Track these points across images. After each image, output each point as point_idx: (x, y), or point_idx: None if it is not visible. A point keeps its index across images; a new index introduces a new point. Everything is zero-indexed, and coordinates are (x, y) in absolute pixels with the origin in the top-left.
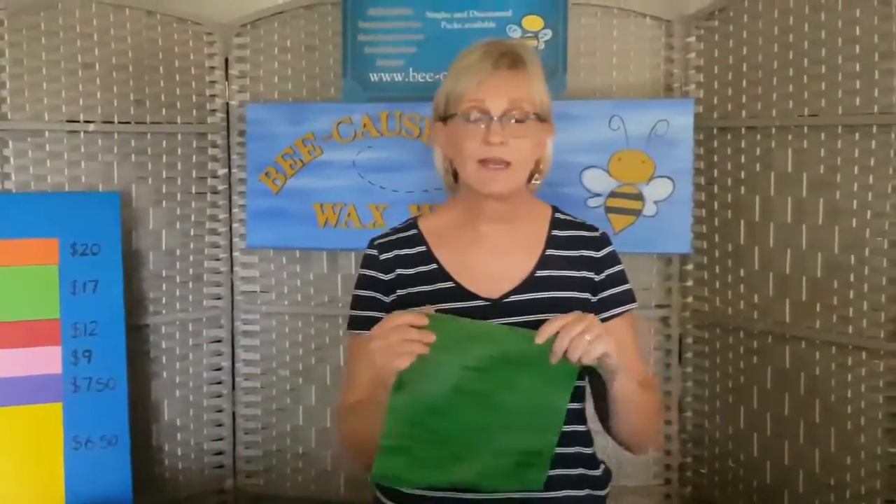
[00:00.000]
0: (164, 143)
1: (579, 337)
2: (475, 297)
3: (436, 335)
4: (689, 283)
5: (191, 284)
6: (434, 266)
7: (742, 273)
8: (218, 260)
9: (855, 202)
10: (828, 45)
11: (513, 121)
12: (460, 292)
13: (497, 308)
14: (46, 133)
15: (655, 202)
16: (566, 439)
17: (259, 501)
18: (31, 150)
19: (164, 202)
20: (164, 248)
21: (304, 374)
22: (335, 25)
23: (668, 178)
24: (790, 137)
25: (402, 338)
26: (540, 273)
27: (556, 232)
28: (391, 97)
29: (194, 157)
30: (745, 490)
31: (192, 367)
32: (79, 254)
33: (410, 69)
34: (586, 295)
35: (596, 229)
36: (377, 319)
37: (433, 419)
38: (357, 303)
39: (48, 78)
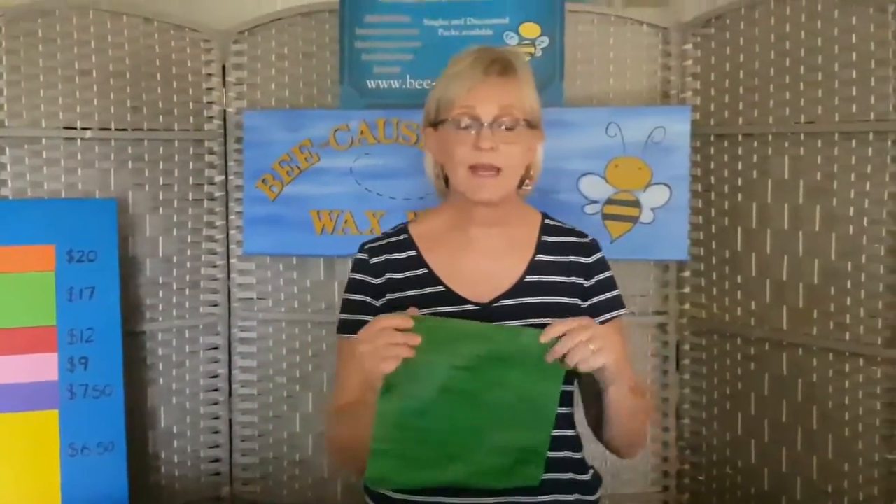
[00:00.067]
0: (161, 149)
1: (583, 345)
2: (465, 301)
3: (421, 337)
4: (687, 289)
5: (187, 291)
6: (424, 270)
7: (739, 280)
8: (215, 267)
9: (852, 209)
10: (824, 53)
11: (503, 127)
12: (450, 296)
13: (487, 312)
14: (43, 140)
15: (652, 209)
16: (555, 443)
17: None
18: (27, 156)
19: (160, 209)
20: (160, 254)
21: (301, 381)
22: (332, 32)
23: (665, 184)
24: (787, 144)
25: (388, 342)
26: (530, 278)
27: (546, 237)
28: (388, 104)
29: (191, 163)
30: (742, 497)
31: (189, 374)
32: (75, 260)
33: (407, 76)
34: (576, 300)
35: (585, 235)
36: (366, 323)
37: (424, 420)
38: (347, 306)
39: (45, 85)
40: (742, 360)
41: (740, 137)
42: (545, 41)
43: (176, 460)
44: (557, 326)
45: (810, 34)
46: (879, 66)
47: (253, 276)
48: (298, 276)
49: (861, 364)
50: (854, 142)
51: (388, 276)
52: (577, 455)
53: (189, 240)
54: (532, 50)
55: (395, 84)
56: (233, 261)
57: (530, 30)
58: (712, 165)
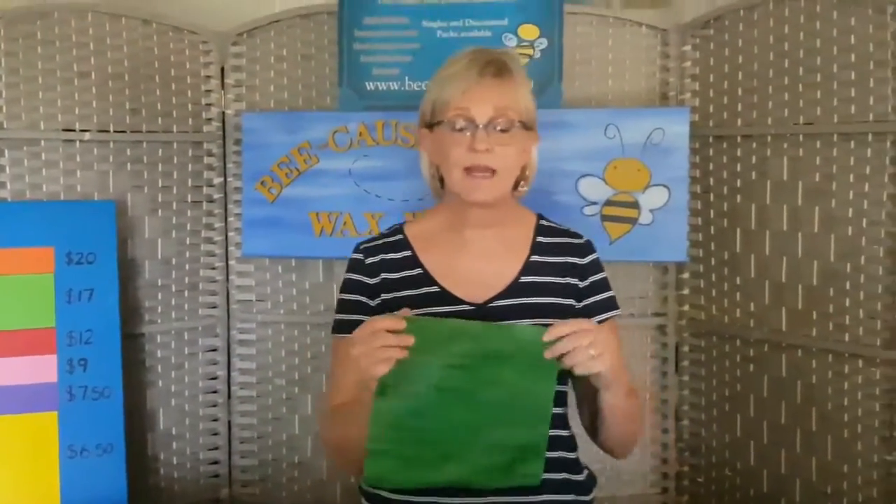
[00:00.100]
0: (160, 151)
1: (584, 349)
2: (460, 301)
3: (414, 337)
4: (686, 291)
5: (186, 293)
6: (419, 271)
7: (738, 281)
8: (213, 269)
9: (850, 210)
10: (823, 54)
11: (498, 129)
12: (445, 297)
13: (482, 313)
14: (42, 142)
15: (651, 210)
16: (549, 443)
17: None
18: (26, 158)
19: (159, 211)
20: (159, 256)
21: (300, 383)
22: (331, 34)
23: (664, 186)
24: (786, 146)
25: (381, 344)
26: (524, 279)
27: (540, 238)
28: (387, 106)
29: (190, 165)
30: (741, 499)
31: (188, 376)
32: (74, 263)
33: (406, 78)
34: (570, 301)
35: (580, 236)
36: (362, 323)
37: (420, 420)
38: (342, 306)
39: (44, 87)
40: (741, 361)
41: (739, 139)
42: (544, 43)
43: (175, 462)
44: (561, 327)
45: (809, 35)
46: (878, 68)
47: (252, 278)
48: (297, 278)
49: (860, 365)
50: (853, 143)
51: (384, 276)
52: (571, 455)
53: (188, 242)
54: (531, 51)
55: (394, 86)
56: (232, 263)
57: (529, 31)
58: (711, 167)
